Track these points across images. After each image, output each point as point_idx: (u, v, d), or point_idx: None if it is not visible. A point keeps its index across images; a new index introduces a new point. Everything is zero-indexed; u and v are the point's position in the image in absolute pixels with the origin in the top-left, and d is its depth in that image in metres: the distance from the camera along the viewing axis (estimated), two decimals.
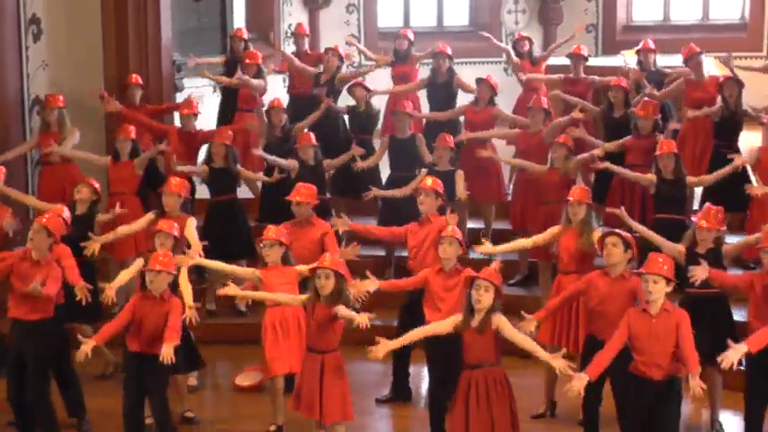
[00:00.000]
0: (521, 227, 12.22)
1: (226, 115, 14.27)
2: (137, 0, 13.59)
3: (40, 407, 9.35)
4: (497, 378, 8.25)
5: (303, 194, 10.60)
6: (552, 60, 15.29)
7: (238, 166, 12.18)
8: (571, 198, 9.96)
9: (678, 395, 8.33)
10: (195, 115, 12.89)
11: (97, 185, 10.93)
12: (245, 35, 14.91)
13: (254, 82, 13.81)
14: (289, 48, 16.38)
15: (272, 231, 9.65)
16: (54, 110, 12.53)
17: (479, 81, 13.24)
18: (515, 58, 14.67)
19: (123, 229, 10.84)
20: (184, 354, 9.50)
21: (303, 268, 9.50)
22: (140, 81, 13.28)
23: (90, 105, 13.55)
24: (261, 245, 9.69)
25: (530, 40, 14.97)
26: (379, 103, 14.20)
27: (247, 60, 13.94)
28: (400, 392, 10.65)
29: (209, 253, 10.32)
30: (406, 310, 10.23)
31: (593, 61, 15.05)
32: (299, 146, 12.20)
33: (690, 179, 11.22)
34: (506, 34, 18.88)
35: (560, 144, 11.55)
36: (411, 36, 15.05)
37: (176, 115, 13.43)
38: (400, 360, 10.54)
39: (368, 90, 13.52)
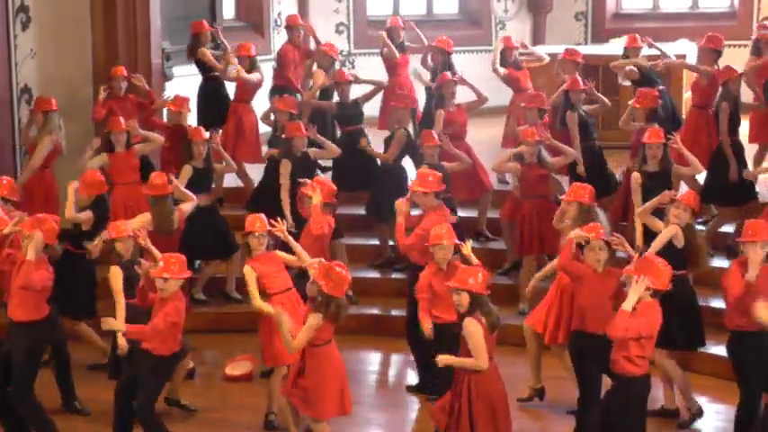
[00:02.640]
0: (510, 217, 12.23)
1: (210, 106, 14.17)
2: None
3: (28, 407, 9.26)
4: (478, 376, 8.24)
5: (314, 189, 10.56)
6: (545, 48, 15.33)
7: (215, 165, 12.26)
8: (563, 197, 10.03)
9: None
10: (181, 113, 12.82)
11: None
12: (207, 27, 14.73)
13: (247, 75, 13.72)
14: (279, 37, 16.35)
15: (258, 223, 9.64)
16: (39, 113, 12.41)
17: (442, 84, 13.16)
18: (501, 70, 14.05)
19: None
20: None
21: (285, 256, 9.64)
22: (125, 73, 13.21)
23: (78, 94, 13.51)
24: (255, 234, 9.64)
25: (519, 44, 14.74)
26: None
27: (241, 53, 13.88)
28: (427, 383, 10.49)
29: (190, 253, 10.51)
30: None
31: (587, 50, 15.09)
32: (290, 136, 12.14)
33: (680, 169, 11.19)
34: (495, 23, 18.86)
35: (529, 141, 11.54)
36: (402, 24, 15.06)
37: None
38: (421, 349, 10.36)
39: (350, 83, 13.58)
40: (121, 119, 12.27)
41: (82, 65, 13.57)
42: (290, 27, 14.84)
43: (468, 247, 9.26)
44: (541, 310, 10.00)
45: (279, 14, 17.31)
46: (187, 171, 11.81)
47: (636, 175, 10.92)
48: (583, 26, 19.02)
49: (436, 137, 11.86)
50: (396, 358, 11.06)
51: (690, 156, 11.19)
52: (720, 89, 12.34)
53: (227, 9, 16.86)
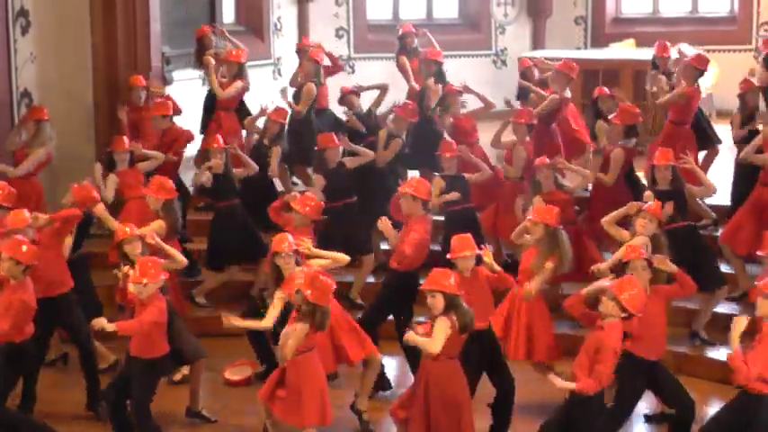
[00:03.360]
0: (491, 231, 12.19)
1: (209, 113, 14.07)
2: None
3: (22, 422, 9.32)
4: (437, 372, 8.39)
5: (305, 205, 10.53)
6: (545, 53, 15.32)
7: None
8: (530, 216, 10.02)
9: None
10: (164, 117, 12.76)
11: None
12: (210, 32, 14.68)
13: (218, 90, 13.55)
14: (279, 41, 16.35)
15: (285, 242, 9.52)
16: (30, 121, 12.32)
17: (447, 94, 13.17)
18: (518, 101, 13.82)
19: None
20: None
21: (321, 263, 9.56)
22: (144, 83, 13.22)
23: (78, 98, 13.51)
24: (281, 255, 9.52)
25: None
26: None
27: (229, 58, 13.85)
28: (379, 383, 10.50)
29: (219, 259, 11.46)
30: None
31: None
32: (322, 147, 12.06)
33: (692, 189, 11.06)
34: (495, 27, 18.88)
35: (545, 166, 11.43)
36: (415, 31, 14.96)
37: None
38: None
39: (357, 94, 13.60)
40: (125, 138, 12.24)
41: (82, 69, 13.57)
42: (301, 51, 14.68)
43: (489, 254, 9.23)
44: (498, 320, 9.89)
45: (279, 19, 17.34)
46: (207, 178, 11.86)
47: (648, 194, 10.72)
48: (583, 30, 19.06)
49: (455, 147, 11.83)
50: (390, 361, 11.02)
51: (702, 176, 11.15)
52: (738, 101, 12.41)
53: (227, 13, 16.86)
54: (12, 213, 9.91)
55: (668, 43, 13.95)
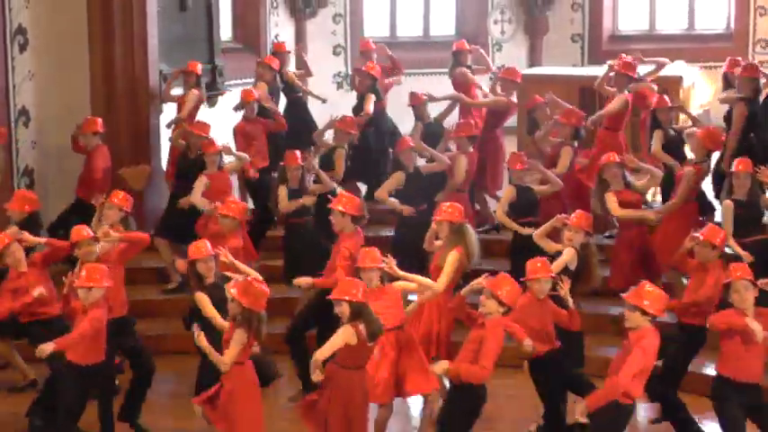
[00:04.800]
0: None
1: (296, 127, 14.23)
2: (123, 10, 13.58)
3: None
4: (339, 380, 8.48)
5: (228, 209, 10.72)
6: (542, 70, 15.34)
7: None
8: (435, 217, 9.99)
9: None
10: (94, 134, 12.65)
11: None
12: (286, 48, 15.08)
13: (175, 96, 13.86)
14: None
15: (369, 257, 9.31)
16: None
17: (535, 108, 13.18)
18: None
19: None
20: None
21: (406, 285, 9.40)
22: (255, 95, 13.49)
23: (76, 115, 13.50)
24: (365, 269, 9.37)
25: None
26: None
27: (187, 70, 13.90)
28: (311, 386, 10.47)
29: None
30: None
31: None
32: (399, 151, 12.08)
33: None
34: (492, 44, 18.93)
35: (614, 164, 11.12)
36: (468, 48, 14.94)
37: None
38: (300, 355, 10.43)
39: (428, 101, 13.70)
40: (215, 140, 12.37)
41: (80, 86, 13.58)
42: (364, 52, 15.09)
43: (566, 288, 9.21)
44: (416, 326, 9.76)
45: (276, 36, 17.39)
46: (283, 192, 11.81)
47: (728, 203, 10.56)
48: (579, 48, 19.10)
49: (525, 159, 11.76)
50: None
51: None
52: None
53: (225, 31, 16.89)
54: (74, 228, 10.01)
55: (740, 59, 13.54)
